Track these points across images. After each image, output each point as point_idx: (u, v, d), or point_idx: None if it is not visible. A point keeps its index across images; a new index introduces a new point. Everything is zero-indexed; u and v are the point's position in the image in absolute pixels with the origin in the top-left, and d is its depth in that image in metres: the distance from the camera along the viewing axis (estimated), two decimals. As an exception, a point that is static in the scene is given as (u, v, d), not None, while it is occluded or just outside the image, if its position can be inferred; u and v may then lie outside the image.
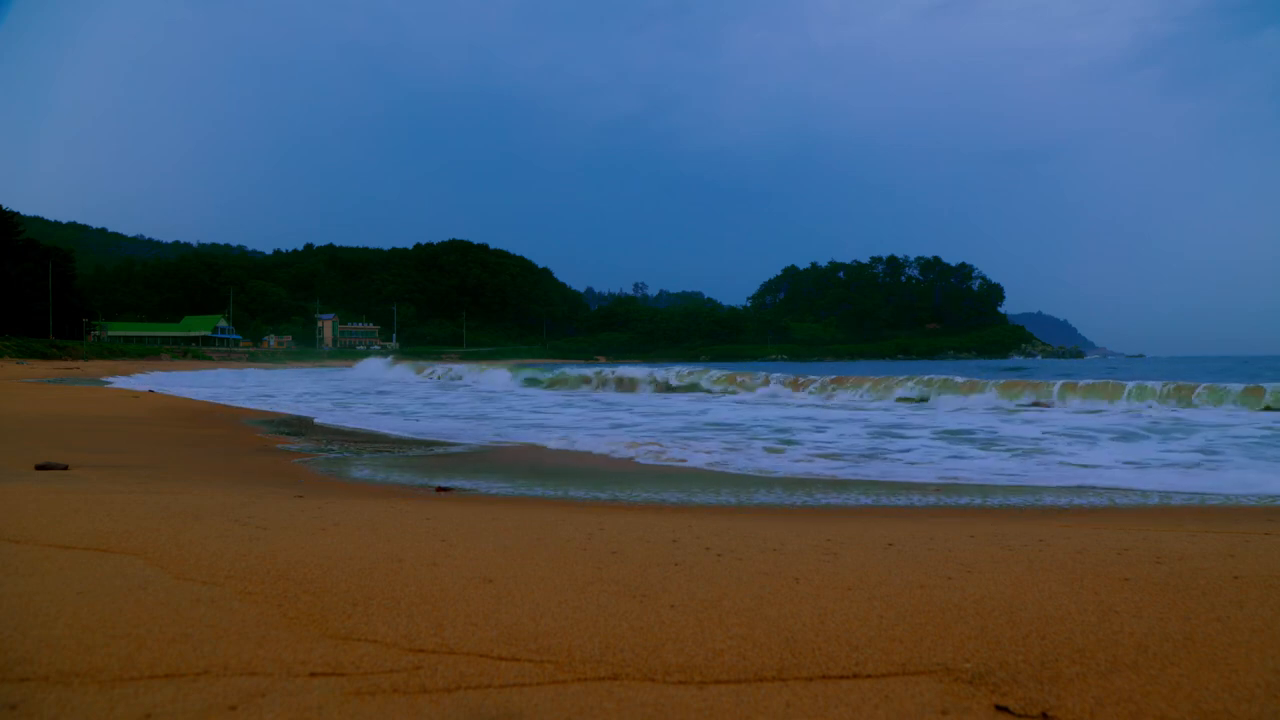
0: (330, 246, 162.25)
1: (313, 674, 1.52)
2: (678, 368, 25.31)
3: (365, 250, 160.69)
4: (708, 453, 7.47)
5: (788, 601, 2.06)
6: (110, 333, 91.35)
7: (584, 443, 8.38)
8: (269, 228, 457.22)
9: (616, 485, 5.55)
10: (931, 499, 5.04)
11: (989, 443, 8.61)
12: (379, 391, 22.12)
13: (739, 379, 21.24)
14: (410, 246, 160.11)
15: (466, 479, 5.75)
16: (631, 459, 7.15)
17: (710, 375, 22.15)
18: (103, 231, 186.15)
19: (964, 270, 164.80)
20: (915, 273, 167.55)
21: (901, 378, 18.45)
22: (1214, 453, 7.66)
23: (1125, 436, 9.30)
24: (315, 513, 3.42)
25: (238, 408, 14.35)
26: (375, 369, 39.65)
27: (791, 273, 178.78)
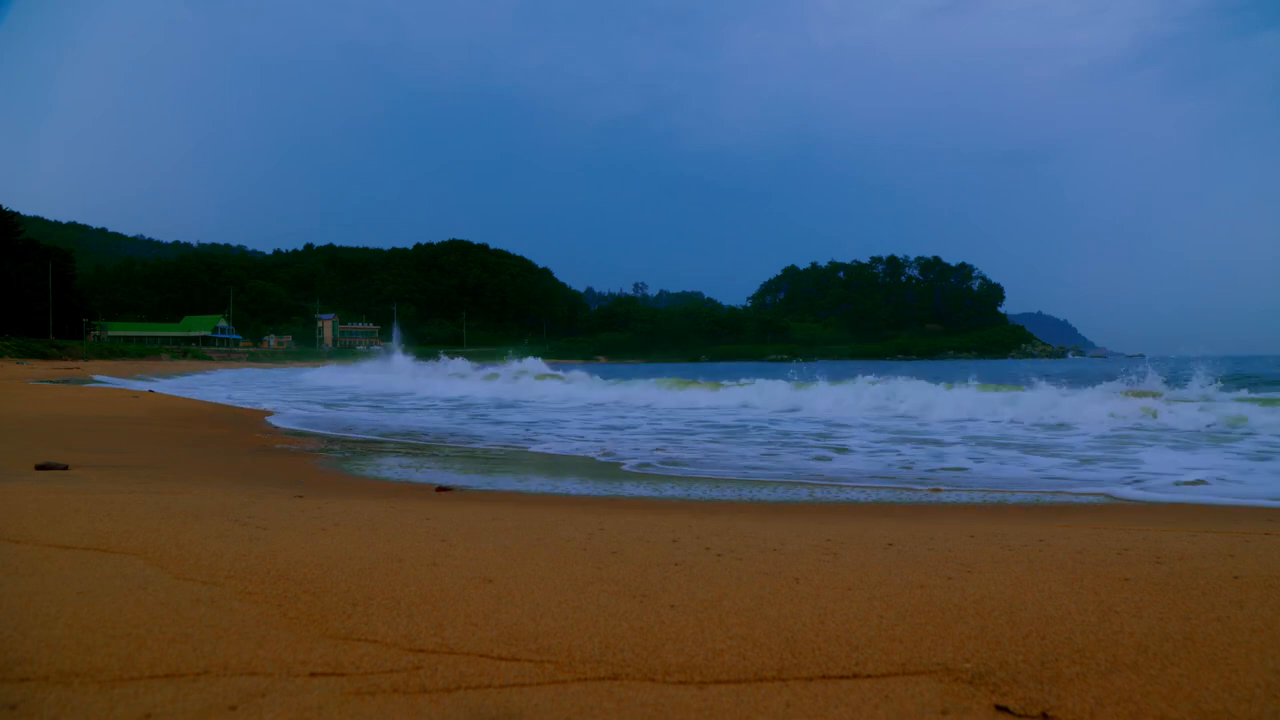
0: (330, 246, 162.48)
1: (313, 674, 1.52)
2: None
3: (365, 250, 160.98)
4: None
5: (788, 601, 2.06)
6: (110, 333, 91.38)
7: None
8: (269, 228, 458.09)
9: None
10: (932, 499, 5.04)
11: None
12: (405, 392, 22.10)
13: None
14: (410, 246, 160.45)
15: (463, 477, 5.75)
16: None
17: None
18: (103, 231, 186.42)
19: (964, 270, 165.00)
20: (915, 273, 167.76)
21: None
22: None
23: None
24: (315, 513, 3.42)
25: (238, 407, 14.35)
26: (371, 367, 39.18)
27: (791, 273, 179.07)
